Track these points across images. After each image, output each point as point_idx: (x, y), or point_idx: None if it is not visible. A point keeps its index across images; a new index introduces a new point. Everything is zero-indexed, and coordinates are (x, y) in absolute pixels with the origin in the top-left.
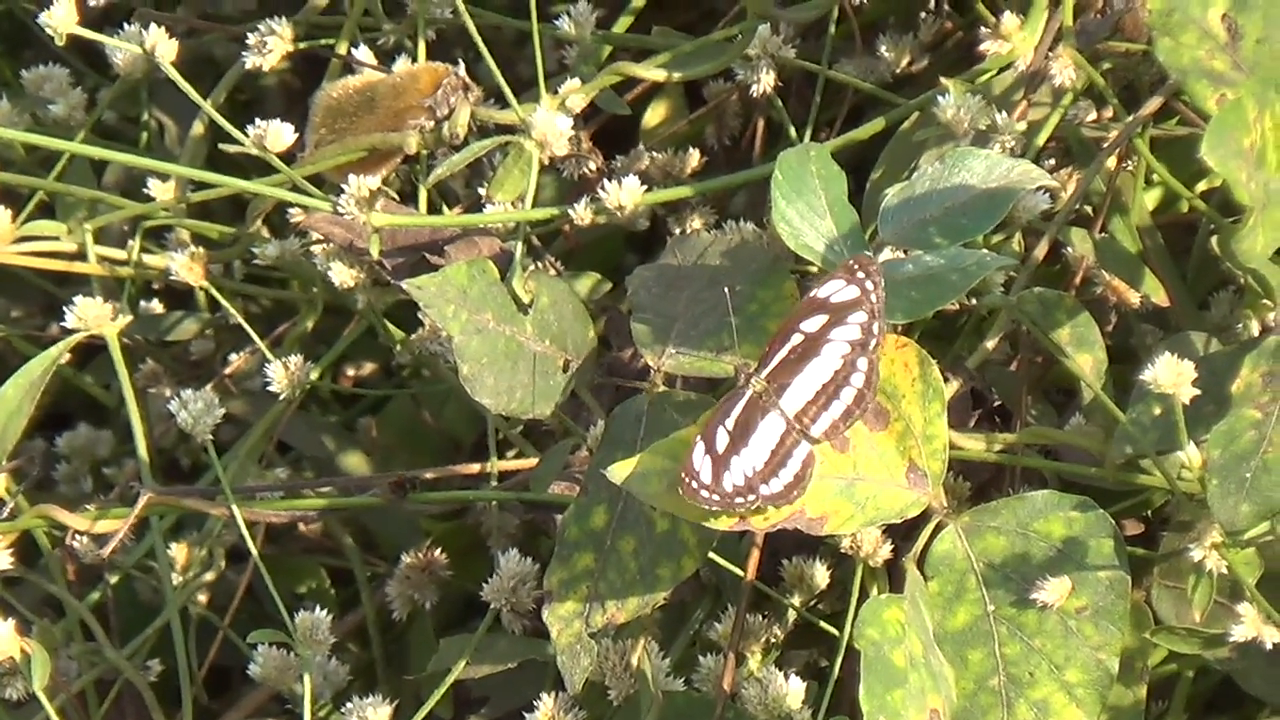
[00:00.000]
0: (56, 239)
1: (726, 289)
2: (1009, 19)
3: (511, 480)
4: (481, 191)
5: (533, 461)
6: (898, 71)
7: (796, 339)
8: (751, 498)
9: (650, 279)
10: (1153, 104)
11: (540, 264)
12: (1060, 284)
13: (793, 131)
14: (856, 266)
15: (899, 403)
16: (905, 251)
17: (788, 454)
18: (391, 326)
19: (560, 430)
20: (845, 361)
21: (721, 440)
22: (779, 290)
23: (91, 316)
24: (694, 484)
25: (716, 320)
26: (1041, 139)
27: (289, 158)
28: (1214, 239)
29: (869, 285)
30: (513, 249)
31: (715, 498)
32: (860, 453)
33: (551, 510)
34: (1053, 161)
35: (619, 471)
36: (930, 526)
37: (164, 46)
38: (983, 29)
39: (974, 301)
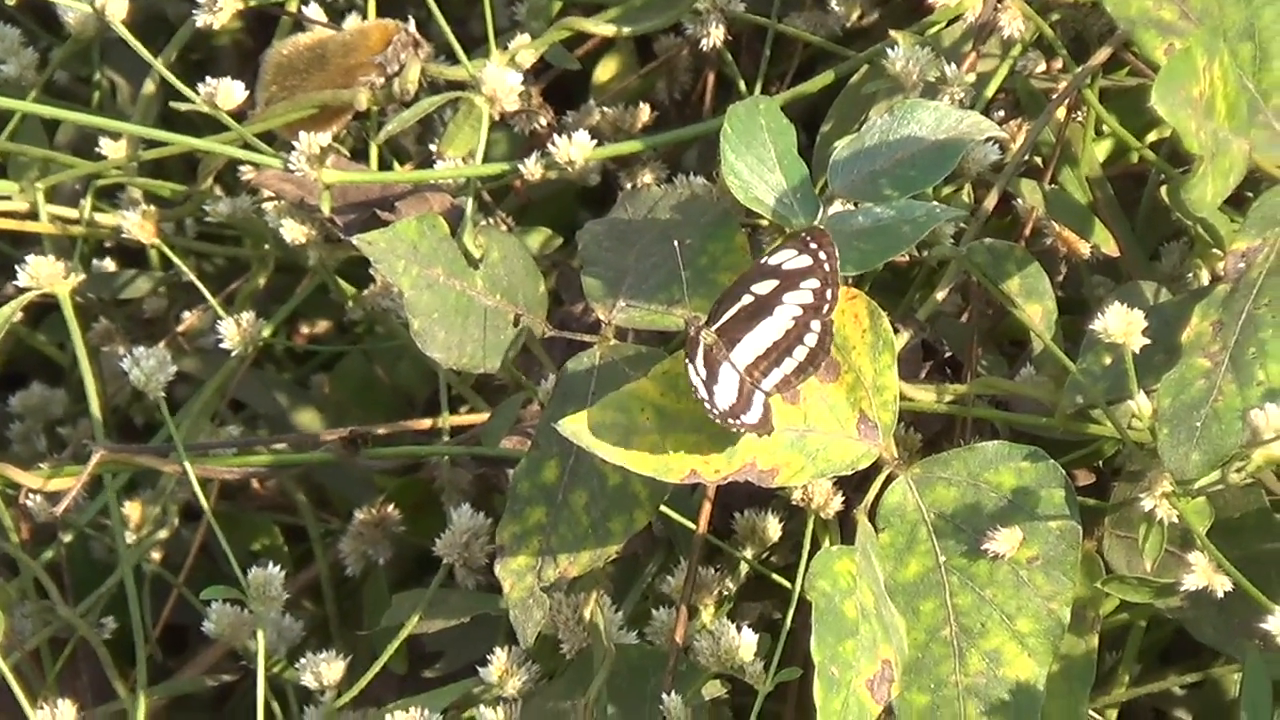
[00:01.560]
0: (9, 198)
1: (677, 243)
2: None
3: (464, 435)
4: (432, 148)
5: (485, 416)
6: (848, 25)
7: (747, 299)
8: (738, 422)
9: (601, 233)
10: (1101, 55)
11: (491, 219)
12: (1010, 235)
13: (743, 85)
14: (809, 238)
15: (849, 354)
16: (855, 204)
17: (749, 398)
18: (344, 283)
19: (512, 385)
20: (798, 322)
21: (701, 370)
22: (729, 243)
23: (44, 275)
24: (700, 394)
25: (667, 274)
26: (990, 90)
27: (240, 115)
28: (1164, 189)
29: (822, 256)
30: (464, 204)
31: (715, 413)
32: (811, 404)
33: (504, 465)
34: (1002, 113)
35: (570, 425)
36: (881, 478)
37: (115, 5)
38: None
39: (924, 253)
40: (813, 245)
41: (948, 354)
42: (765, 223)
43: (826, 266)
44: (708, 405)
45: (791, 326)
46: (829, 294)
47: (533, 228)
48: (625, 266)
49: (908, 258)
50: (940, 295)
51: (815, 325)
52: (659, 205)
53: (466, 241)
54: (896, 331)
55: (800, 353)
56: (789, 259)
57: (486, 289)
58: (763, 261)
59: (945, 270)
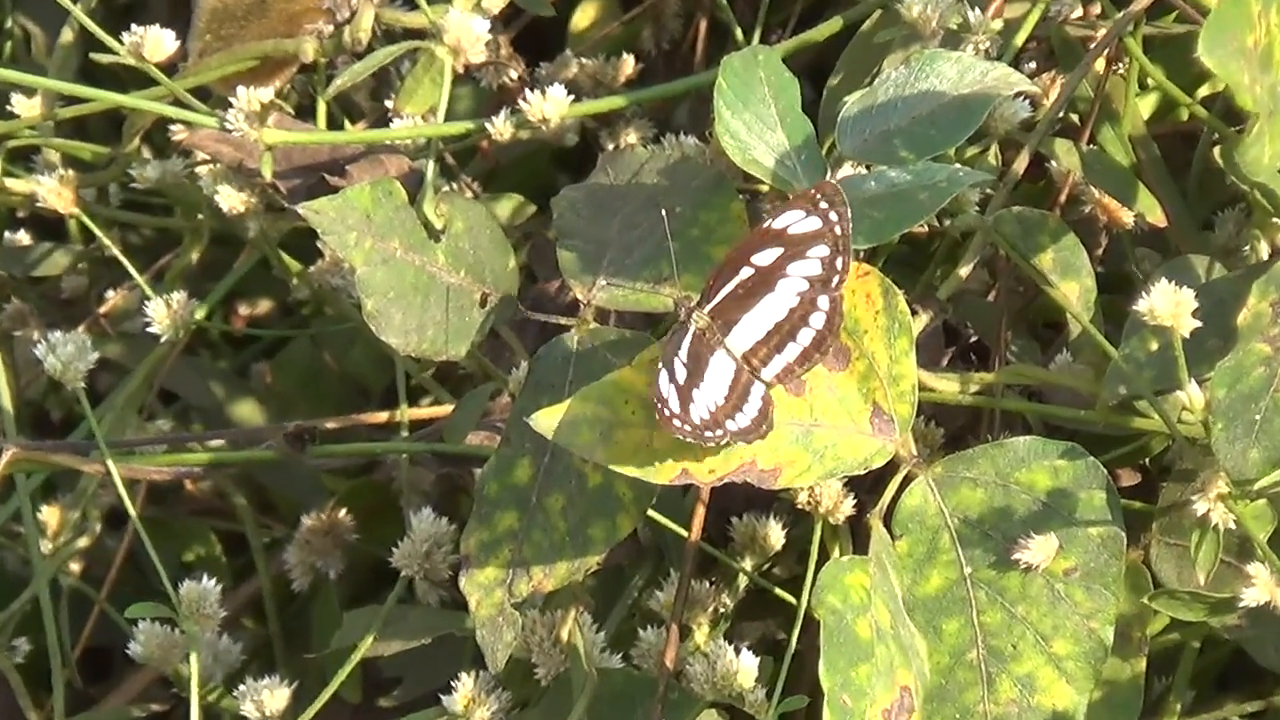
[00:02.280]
0: None
1: (665, 211)
2: None
3: (425, 430)
4: (388, 104)
5: (448, 409)
6: None
7: (747, 272)
8: (720, 433)
9: (579, 201)
10: None
11: (455, 185)
12: (1043, 203)
13: (739, 34)
14: (819, 195)
15: (861, 339)
16: (867, 167)
17: (745, 391)
18: (288, 258)
19: (478, 373)
20: (803, 299)
21: (680, 371)
22: (724, 212)
23: None
24: (666, 412)
25: (654, 247)
26: (1020, 39)
27: (170, 68)
28: (1216, 150)
29: (833, 217)
30: (423, 168)
31: (687, 429)
32: (818, 396)
33: (470, 464)
34: (1033, 64)
35: (545, 419)
36: (898, 478)
37: None
38: None
39: (945, 223)
40: (823, 205)
41: (973, 338)
42: (765, 188)
43: (838, 229)
44: (677, 423)
45: (796, 304)
46: (839, 263)
47: (502, 195)
48: (606, 239)
49: (927, 228)
50: (964, 271)
51: (823, 302)
52: (645, 169)
53: (427, 210)
54: (915, 313)
55: (805, 336)
56: (795, 221)
57: (449, 265)
58: (765, 225)
59: (969, 243)
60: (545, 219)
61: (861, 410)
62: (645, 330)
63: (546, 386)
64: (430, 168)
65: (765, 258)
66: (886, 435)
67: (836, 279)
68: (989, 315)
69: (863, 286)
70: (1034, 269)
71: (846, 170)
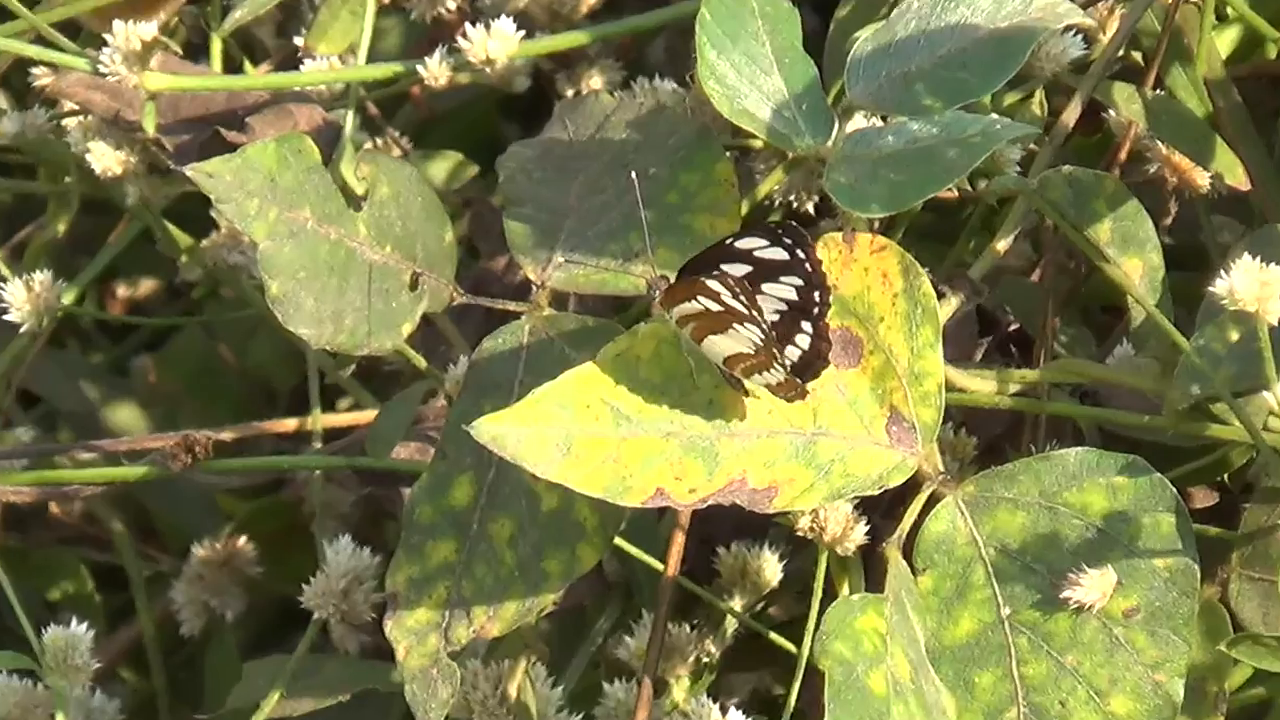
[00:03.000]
0: None
1: (636, 173)
2: None
3: (343, 441)
4: (298, 42)
5: (371, 415)
6: None
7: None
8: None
9: (531, 160)
10: None
11: (379, 141)
12: (1099, 161)
13: None
14: (782, 233)
15: (876, 328)
16: (883, 117)
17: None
18: (175, 230)
19: (408, 371)
20: (784, 318)
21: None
22: (707, 173)
23: None
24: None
25: (622, 216)
26: None
27: None
28: None
29: (800, 255)
30: (341, 121)
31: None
32: (823, 398)
33: (397, 482)
34: None
35: (489, 428)
36: (921, 499)
37: None
38: None
39: (980, 186)
40: (787, 241)
41: (1013, 326)
42: (759, 144)
43: (808, 266)
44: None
45: (776, 320)
46: (818, 297)
47: (437, 153)
48: (564, 206)
49: (957, 193)
50: (1002, 245)
51: (806, 326)
52: (611, 121)
53: (345, 172)
54: (942, 296)
55: (791, 352)
56: (760, 247)
57: (372, 239)
58: (728, 242)
59: (1009, 210)
60: (490, 182)
61: (876, 416)
62: (611, 317)
63: (491, 387)
64: (349, 120)
65: (735, 270)
66: (906, 446)
67: (817, 310)
68: (1032, 298)
69: (879, 264)
70: (1087, 242)
71: (858, 121)
